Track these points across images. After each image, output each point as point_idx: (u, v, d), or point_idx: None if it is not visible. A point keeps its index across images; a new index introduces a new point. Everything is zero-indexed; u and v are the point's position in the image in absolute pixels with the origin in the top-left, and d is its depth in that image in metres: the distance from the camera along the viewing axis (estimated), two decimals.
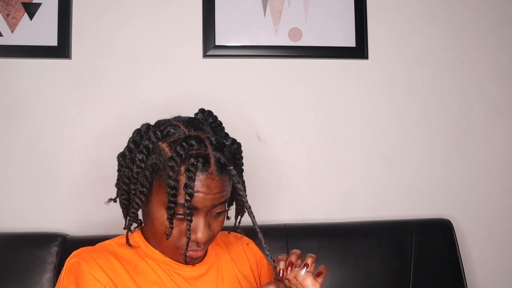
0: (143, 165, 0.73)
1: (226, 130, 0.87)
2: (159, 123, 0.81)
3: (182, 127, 0.76)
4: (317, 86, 1.30)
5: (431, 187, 1.31)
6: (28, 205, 1.20)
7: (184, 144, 0.71)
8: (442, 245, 1.19)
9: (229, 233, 0.93)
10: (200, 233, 0.72)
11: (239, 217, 0.87)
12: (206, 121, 0.81)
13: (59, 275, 1.03)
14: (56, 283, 0.74)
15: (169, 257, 0.79)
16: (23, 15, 1.22)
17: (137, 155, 0.74)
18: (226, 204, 0.76)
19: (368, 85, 1.31)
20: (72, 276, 0.71)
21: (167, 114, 1.26)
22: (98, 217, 1.21)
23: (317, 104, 1.30)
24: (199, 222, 0.72)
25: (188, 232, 0.70)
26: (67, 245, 1.08)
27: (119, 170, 0.81)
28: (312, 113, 1.29)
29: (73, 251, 0.76)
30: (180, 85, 1.26)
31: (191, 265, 0.80)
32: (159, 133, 0.75)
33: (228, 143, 0.78)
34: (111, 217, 1.21)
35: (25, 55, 1.21)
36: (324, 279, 0.75)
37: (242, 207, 0.85)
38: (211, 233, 0.73)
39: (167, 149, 0.73)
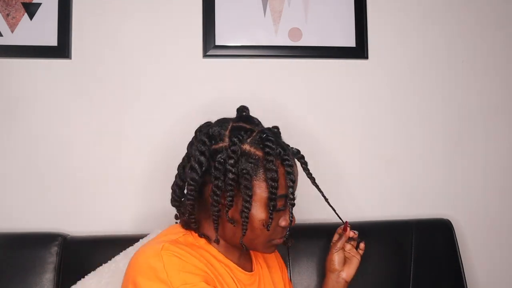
0: (234, 170, 0.73)
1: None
2: (234, 128, 0.80)
3: (247, 126, 0.80)
4: (317, 86, 1.30)
5: (431, 187, 1.31)
6: (28, 205, 1.19)
7: (270, 143, 0.75)
8: (442, 245, 1.19)
9: None
10: (294, 218, 0.78)
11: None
12: (250, 116, 0.87)
13: (59, 275, 1.05)
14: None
15: (231, 261, 0.79)
16: (23, 15, 1.22)
17: (227, 160, 0.73)
18: None
19: (368, 85, 1.31)
20: (175, 267, 0.68)
21: (167, 114, 1.27)
22: (98, 217, 1.21)
23: (317, 104, 1.30)
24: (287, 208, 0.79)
25: (291, 215, 0.78)
26: (67, 245, 1.08)
27: (187, 184, 0.78)
28: (312, 113, 1.29)
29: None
30: (180, 85, 1.26)
31: (246, 272, 0.82)
32: (240, 136, 0.75)
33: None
34: (111, 217, 1.21)
35: (25, 55, 1.21)
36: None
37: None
38: None
39: (258, 152, 0.75)
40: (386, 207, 1.29)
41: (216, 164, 0.73)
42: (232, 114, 1.27)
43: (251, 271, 0.84)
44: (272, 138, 0.76)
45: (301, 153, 0.86)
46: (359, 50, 1.30)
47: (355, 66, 1.31)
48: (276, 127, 0.89)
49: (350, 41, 1.30)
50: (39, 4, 1.22)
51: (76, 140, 1.22)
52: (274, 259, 0.95)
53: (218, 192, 0.73)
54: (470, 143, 1.33)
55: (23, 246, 1.07)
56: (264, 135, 0.77)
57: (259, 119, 1.26)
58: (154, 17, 1.26)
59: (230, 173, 0.72)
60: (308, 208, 1.27)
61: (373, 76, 1.31)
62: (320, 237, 1.16)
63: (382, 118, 1.31)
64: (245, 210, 0.73)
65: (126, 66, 1.25)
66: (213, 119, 0.90)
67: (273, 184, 0.73)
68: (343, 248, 0.96)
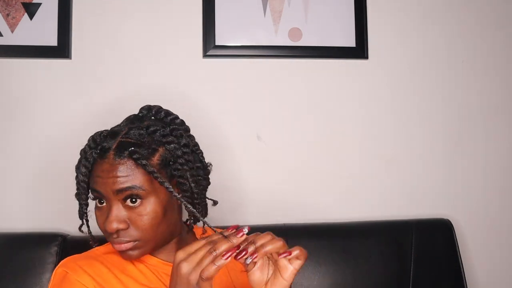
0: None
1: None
2: None
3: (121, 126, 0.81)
4: (317, 86, 1.30)
5: (431, 187, 1.31)
6: (28, 205, 1.20)
7: (95, 137, 0.77)
8: (442, 245, 1.19)
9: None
10: (107, 222, 0.72)
11: (191, 218, 0.87)
12: (146, 116, 0.82)
13: None
14: None
15: (158, 259, 0.79)
16: (23, 15, 1.22)
17: None
18: (140, 193, 0.72)
19: (368, 85, 1.31)
20: (58, 286, 0.72)
21: None
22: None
23: (317, 104, 1.30)
24: (108, 211, 0.73)
25: (84, 214, 0.80)
26: (67, 245, 1.08)
27: None
28: (312, 113, 1.29)
29: (73, 251, 0.77)
30: (180, 85, 1.26)
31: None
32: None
33: (145, 130, 0.77)
34: None
35: (25, 55, 1.21)
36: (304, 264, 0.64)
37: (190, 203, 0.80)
38: (123, 225, 0.72)
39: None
40: (386, 207, 1.29)
41: None
42: (232, 113, 1.28)
43: None
44: (97, 135, 0.78)
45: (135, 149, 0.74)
46: (359, 50, 1.30)
47: (355, 66, 1.31)
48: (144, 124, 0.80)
49: (350, 41, 1.30)
50: (39, 4, 1.22)
51: (76, 140, 1.21)
52: None
53: None
54: (470, 143, 1.33)
55: (23, 246, 1.07)
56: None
57: (259, 119, 1.27)
58: (154, 17, 1.26)
59: None
60: (308, 208, 1.27)
61: (373, 76, 1.31)
62: (320, 237, 1.16)
63: (382, 118, 1.31)
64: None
65: (126, 66, 1.25)
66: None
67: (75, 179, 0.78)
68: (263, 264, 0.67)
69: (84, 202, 0.79)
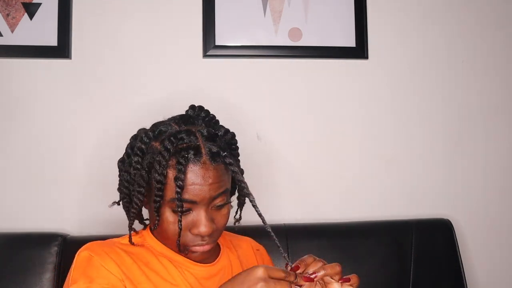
0: (139, 166, 0.73)
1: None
2: (153, 125, 0.81)
3: (173, 125, 0.78)
4: (317, 86, 1.30)
5: (431, 187, 1.31)
6: (28, 205, 1.19)
7: (172, 138, 0.71)
8: (442, 245, 1.19)
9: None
10: (203, 226, 0.71)
11: (239, 210, 0.87)
12: (198, 116, 0.82)
13: (59, 275, 1.05)
14: (63, 279, 0.73)
15: (181, 255, 0.78)
16: (23, 15, 1.22)
17: (133, 158, 0.75)
18: (227, 195, 0.75)
19: (368, 85, 1.31)
20: (83, 269, 0.70)
21: (168, 114, 1.26)
22: (99, 217, 1.21)
23: (317, 104, 1.30)
24: (200, 216, 0.71)
25: (180, 223, 0.69)
26: (67, 245, 1.08)
27: (119, 175, 0.82)
28: (312, 113, 1.29)
29: (73, 251, 0.76)
30: (181, 85, 1.26)
31: (203, 265, 0.79)
32: (151, 133, 0.75)
33: (220, 133, 0.79)
34: (111, 217, 1.21)
35: (25, 55, 1.21)
36: None
37: (244, 198, 0.84)
38: (214, 226, 0.73)
39: (159, 147, 0.73)
40: (386, 207, 1.29)
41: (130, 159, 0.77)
42: (232, 113, 1.28)
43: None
44: (174, 137, 0.71)
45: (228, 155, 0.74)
46: (359, 50, 1.30)
47: (355, 66, 1.31)
48: (215, 125, 0.81)
49: (350, 41, 1.30)
50: (39, 4, 1.22)
51: (76, 140, 1.22)
52: (253, 256, 0.91)
53: (126, 185, 0.77)
54: (470, 143, 1.33)
55: (23, 246, 1.07)
56: (167, 133, 0.74)
57: (259, 119, 1.27)
58: (154, 17, 1.26)
59: (132, 169, 0.74)
60: (308, 208, 1.27)
61: (373, 76, 1.31)
62: (320, 237, 1.16)
63: (382, 118, 1.31)
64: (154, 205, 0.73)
65: (126, 66, 1.25)
66: None
67: (157, 186, 0.70)
68: None
69: (140, 207, 0.76)
